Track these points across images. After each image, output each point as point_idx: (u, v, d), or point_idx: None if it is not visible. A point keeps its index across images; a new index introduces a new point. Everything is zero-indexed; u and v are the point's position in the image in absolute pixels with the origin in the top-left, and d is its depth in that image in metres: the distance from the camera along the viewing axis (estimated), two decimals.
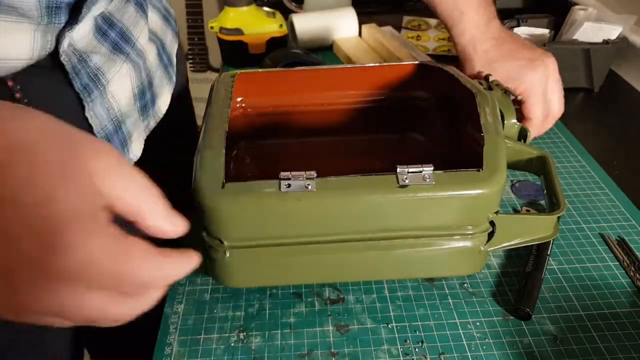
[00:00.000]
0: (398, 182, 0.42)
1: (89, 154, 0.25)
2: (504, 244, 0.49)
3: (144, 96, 0.54)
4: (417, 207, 0.43)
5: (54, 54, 0.43)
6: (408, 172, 0.42)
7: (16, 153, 0.24)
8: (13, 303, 0.24)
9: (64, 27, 0.42)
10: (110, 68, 0.48)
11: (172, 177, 0.64)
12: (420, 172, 0.42)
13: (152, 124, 0.57)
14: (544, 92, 0.61)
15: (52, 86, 0.44)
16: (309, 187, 0.41)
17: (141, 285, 0.26)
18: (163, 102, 0.60)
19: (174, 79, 0.63)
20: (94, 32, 0.46)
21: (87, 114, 0.46)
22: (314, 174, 0.42)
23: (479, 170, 0.43)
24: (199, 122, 0.50)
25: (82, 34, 0.44)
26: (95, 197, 0.25)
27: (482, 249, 0.47)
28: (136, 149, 0.53)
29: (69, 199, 0.24)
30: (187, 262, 0.29)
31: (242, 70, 0.56)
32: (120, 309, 0.26)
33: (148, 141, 0.56)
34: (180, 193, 0.54)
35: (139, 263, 0.25)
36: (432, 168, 0.42)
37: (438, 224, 0.45)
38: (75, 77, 0.44)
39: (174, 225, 0.29)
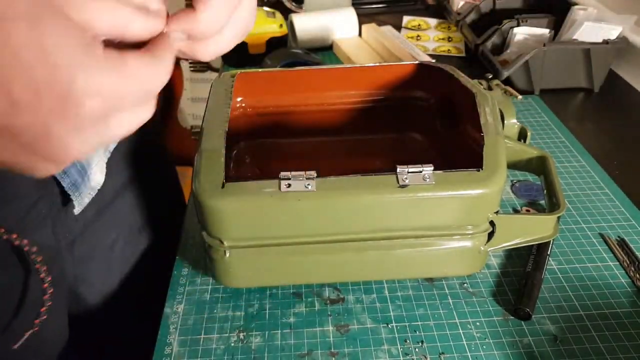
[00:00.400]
0: (398, 182, 0.42)
1: None
2: (504, 244, 0.49)
3: None
4: (417, 207, 0.43)
5: None
6: (408, 172, 0.42)
7: None
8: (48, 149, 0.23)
9: None
10: None
11: (154, 188, 0.63)
12: (420, 172, 0.42)
13: (111, 145, 0.52)
14: None
15: None
16: (309, 187, 0.41)
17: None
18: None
19: None
20: None
21: None
22: (314, 173, 0.42)
23: (479, 170, 0.43)
24: (199, 122, 0.50)
25: None
26: (82, 32, 0.23)
27: (482, 249, 0.47)
28: (98, 177, 0.48)
29: (62, 47, 0.22)
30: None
31: (242, 70, 0.56)
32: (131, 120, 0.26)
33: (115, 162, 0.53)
34: (164, 203, 0.54)
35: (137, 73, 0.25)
36: (432, 168, 0.42)
37: (438, 224, 0.45)
38: None
39: (155, 16, 0.26)
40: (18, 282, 0.44)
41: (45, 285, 0.43)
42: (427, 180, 0.42)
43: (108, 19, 0.23)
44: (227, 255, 0.45)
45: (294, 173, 0.42)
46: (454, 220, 0.44)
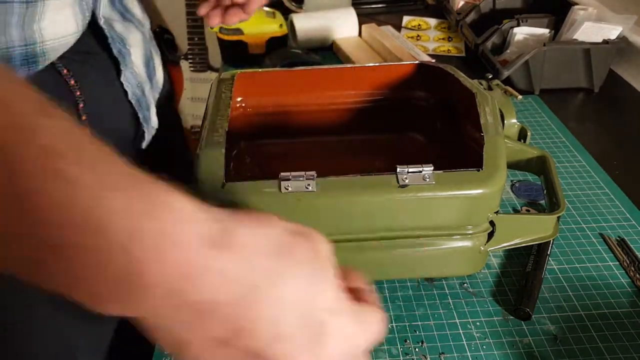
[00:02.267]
0: (398, 182, 0.42)
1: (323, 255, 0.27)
2: (504, 244, 0.49)
3: (149, 65, 0.58)
4: (417, 207, 0.43)
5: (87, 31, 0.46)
6: (408, 172, 0.42)
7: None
8: None
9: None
10: (128, 35, 0.52)
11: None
12: (420, 172, 0.42)
13: (156, 95, 0.60)
14: None
15: (91, 64, 0.48)
16: (309, 187, 0.41)
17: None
18: (160, 75, 0.63)
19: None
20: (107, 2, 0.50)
21: (122, 79, 0.50)
22: (314, 174, 0.42)
23: (478, 170, 0.43)
24: (199, 122, 0.50)
25: (104, 3, 0.48)
26: (334, 281, 0.26)
27: (482, 249, 0.47)
28: (154, 120, 0.57)
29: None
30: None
31: (242, 70, 0.56)
32: None
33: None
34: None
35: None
36: (432, 168, 0.42)
37: (438, 223, 0.45)
38: (112, 42, 0.49)
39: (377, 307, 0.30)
40: None
41: None
42: (427, 180, 0.42)
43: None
44: None
45: (294, 173, 0.42)
46: (454, 220, 0.44)
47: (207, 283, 0.22)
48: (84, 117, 0.48)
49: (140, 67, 0.55)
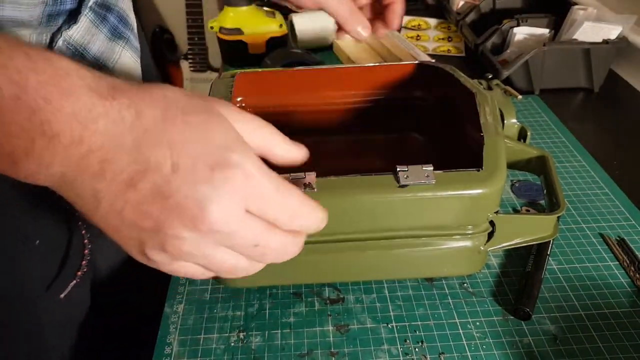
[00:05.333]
0: (398, 182, 0.42)
1: (218, 111, 0.28)
2: (504, 244, 0.49)
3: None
4: (417, 206, 0.43)
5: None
6: (408, 172, 0.42)
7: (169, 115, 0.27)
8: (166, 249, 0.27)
9: (59, 28, 0.42)
10: (110, 55, 0.48)
11: None
12: (420, 171, 0.42)
13: None
14: None
15: None
16: (309, 187, 0.41)
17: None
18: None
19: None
20: (91, 19, 0.46)
21: None
22: (313, 174, 0.42)
23: (478, 170, 0.43)
24: None
25: (77, 28, 0.44)
26: (236, 133, 0.28)
27: (482, 248, 0.47)
28: None
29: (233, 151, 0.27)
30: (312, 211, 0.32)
31: (242, 70, 0.56)
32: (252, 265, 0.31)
33: None
34: None
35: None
36: (432, 168, 0.42)
37: (438, 223, 0.45)
38: None
39: (298, 148, 0.33)
40: (64, 236, 0.48)
41: (86, 240, 0.48)
42: (427, 180, 0.42)
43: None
44: None
45: (293, 174, 0.42)
46: (454, 220, 0.44)
47: (102, 129, 0.25)
48: None
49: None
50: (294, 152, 0.33)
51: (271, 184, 0.28)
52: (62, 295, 0.48)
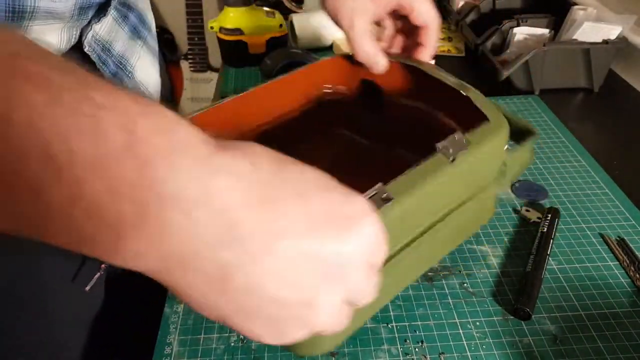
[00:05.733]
0: (448, 158, 0.41)
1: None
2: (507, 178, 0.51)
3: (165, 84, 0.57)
4: (466, 174, 0.43)
5: (78, 47, 0.44)
6: (449, 145, 0.41)
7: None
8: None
9: (89, 21, 0.44)
10: (132, 54, 0.49)
11: None
12: (456, 140, 0.42)
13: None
14: (436, 16, 0.57)
15: None
16: (386, 199, 0.38)
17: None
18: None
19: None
20: (114, 17, 0.47)
21: None
22: (379, 184, 0.38)
23: (488, 121, 0.44)
24: None
25: (103, 25, 0.46)
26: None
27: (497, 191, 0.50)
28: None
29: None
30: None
31: (192, 115, 0.50)
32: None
33: None
34: None
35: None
36: (462, 134, 0.42)
37: (482, 184, 0.46)
38: (102, 66, 0.46)
39: None
40: None
41: None
42: (463, 146, 0.42)
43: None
44: None
45: (367, 193, 0.38)
46: (491, 173, 0.46)
47: (224, 185, 0.20)
48: None
49: (149, 82, 0.52)
50: None
51: (383, 230, 0.26)
52: (87, 288, 0.49)
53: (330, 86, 0.61)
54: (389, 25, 0.57)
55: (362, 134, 0.62)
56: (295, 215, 0.22)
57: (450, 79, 0.51)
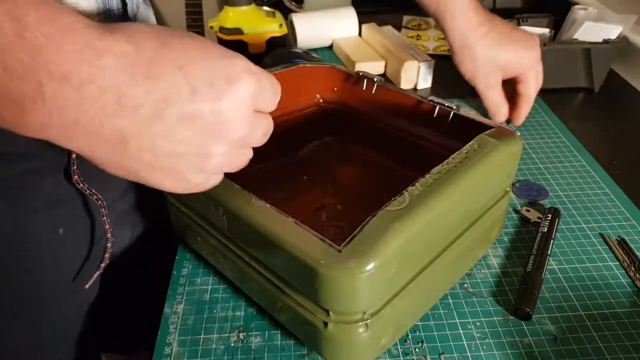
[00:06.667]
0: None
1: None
2: None
3: None
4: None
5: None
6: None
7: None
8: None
9: None
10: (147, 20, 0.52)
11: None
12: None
13: None
14: (538, 70, 0.67)
15: None
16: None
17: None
18: None
19: None
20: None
21: None
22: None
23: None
24: None
25: None
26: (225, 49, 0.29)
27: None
28: None
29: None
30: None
31: None
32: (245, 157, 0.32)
33: None
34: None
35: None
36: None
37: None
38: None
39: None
40: (87, 229, 0.51)
41: (109, 235, 0.50)
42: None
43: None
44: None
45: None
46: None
47: (110, 64, 0.24)
48: None
49: None
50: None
51: (270, 79, 0.30)
52: (86, 286, 0.51)
53: (321, 96, 0.61)
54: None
55: (354, 141, 0.62)
56: (177, 85, 0.25)
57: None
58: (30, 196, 0.46)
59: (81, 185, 0.46)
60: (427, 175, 0.40)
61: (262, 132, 0.31)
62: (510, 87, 0.69)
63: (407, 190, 0.39)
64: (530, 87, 0.67)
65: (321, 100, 0.62)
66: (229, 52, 0.28)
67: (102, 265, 0.53)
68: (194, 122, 0.26)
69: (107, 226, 0.50)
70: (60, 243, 0.49)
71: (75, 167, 0.45)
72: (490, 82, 0.66)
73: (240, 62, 0.28)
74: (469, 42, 0.64)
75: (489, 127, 0.47)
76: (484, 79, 0.66)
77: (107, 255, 0.52)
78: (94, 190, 0.47)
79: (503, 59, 0.64)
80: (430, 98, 0.52)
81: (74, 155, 0.45)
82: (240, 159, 0.31)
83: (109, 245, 0.52)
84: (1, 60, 0.22)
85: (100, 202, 0.48)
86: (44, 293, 0.50)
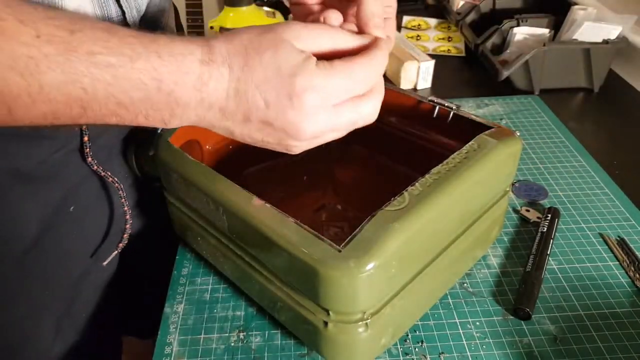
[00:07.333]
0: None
1: (283, 38, 0.34)
2: None
3: None
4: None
5: None
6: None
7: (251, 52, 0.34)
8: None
9: None
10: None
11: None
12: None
13: None
14: None
15: None
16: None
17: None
18: None
19: None
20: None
21: None
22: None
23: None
24: None
25: None
26: (299, 54, 0.34)
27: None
28: None
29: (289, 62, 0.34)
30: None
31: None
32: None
33: None
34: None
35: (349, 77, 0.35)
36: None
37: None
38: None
39: (359, 38, 0.37)
40: (105, 209, 0.55)
41: (127, 216, 0.54)
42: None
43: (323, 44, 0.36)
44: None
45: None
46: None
47: (212, 88, 0.33)
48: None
49: None
50: (358, 41, 0.37)
51: (337, 77, 0.34)
52: (104, 263, 0.55)
53: None
54: None
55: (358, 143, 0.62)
56: (255, 100, 0.34)
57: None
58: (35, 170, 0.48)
59: (95, 167, 0.50)
60: (427, 175, 0.40)
61: (346, 124, 0.36)
62: None
63: (406, 190, 0.39)
64: None
65: None
66: (300, 69, 0.33)
67: (120, 245, 0.55)
68: (271, 127, 0.34)
69: (126, 208, 0.54)
70: (73, 220, 0.52)
71: (88, 149, 0.49)
72: None
73: (302, 81, 0.33)
74: None
75: (488, 127, 0.47)
76: None
77: (125, 235, 0.55)
78: (109, 173, 0.51)
79: None
80: (430, 98, 0.52)
81: (86, 138, 0.49)
82: (339, 132, 0.36)
83: (127, 226, 0.54)
84: (149, 103, 0.33)
85: (117, 185, 0.52)
86: (65, 264, 0.53)
